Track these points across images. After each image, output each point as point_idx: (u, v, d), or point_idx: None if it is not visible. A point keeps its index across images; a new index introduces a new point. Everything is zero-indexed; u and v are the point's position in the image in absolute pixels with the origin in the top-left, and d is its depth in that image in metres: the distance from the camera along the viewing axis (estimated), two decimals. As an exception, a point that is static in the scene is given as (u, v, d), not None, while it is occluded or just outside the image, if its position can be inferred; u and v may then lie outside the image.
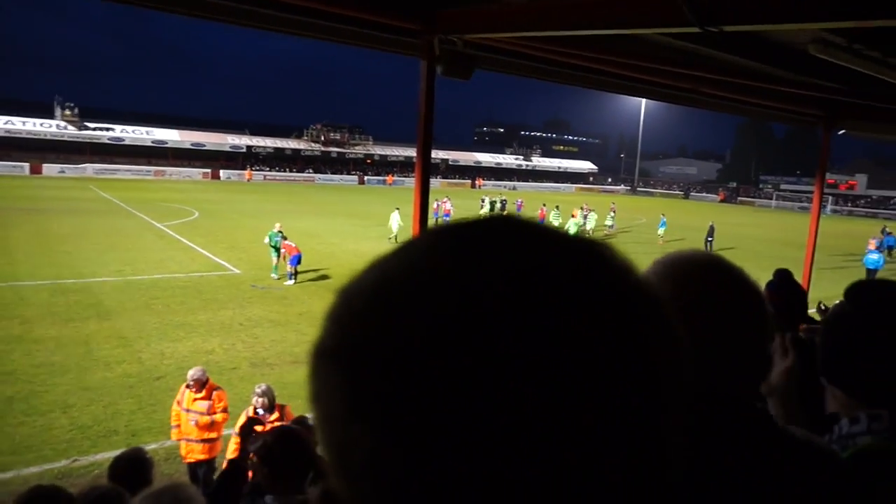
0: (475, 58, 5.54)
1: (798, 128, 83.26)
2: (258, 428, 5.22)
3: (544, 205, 34.61)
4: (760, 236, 34.24)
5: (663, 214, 30.51)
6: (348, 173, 68.68)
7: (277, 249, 16.04)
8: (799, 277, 8.28)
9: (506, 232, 0.39)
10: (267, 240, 16.41)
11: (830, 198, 68.04)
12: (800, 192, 75.68)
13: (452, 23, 5.14)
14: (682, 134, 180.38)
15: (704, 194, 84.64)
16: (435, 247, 0.39)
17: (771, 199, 76.18)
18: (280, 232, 16.17)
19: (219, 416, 6.18)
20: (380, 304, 0.37)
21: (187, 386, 6.25)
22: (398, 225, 23.14)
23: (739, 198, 79.92)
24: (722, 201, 77.88)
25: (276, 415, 5.70)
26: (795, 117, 8.60)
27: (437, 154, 67.25)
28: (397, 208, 24.27)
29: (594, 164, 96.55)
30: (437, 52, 5.35)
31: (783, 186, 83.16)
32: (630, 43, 5.30)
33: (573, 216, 30.23)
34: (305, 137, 70.06)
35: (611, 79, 7.15)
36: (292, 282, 15.60)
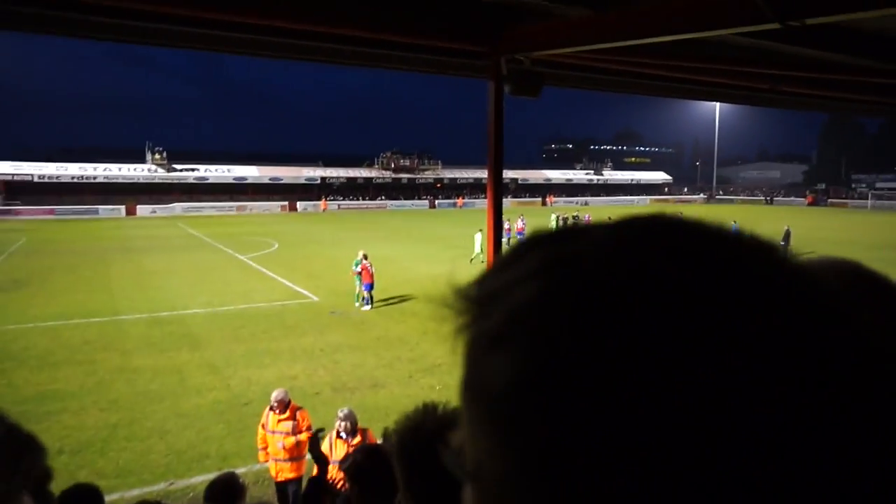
0: (542, 75, 5.52)
1: (891, 120, 77.89)
2: (324, 445, 5.27)
3: (609, 218, 33.89)
4: (847, 239, 32.09)
5: (735, 221, 29.23)
6: (419, 198, 69.68)
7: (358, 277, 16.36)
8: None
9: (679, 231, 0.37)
10: (354, 267, 16.62)
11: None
12: (898, 190, 70.65)
13: (518, 42, 5.15)
14: (760, 137, 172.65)
15: (791, 198, 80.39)
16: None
17: (866, 198, 71.39)
18: (365, 256, 16.44)
19: (303, 436, 6.31)
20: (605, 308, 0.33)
21: (271, 408, 6.44)
22: (481, 246, 23.42)
23: (830, 200, 75.38)
24: (810, 204, 73.68)
25: (358, 438, 5.77)
26: (888, 109, 8.06)
27: (506, 174, 67.15)
28: (480, 230, 24.45)
29: (668, 173, 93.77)
30: (505, 72, 5.37)
31: (879, 185, 77.87)
32: (702, 46, 5.13)
33: None
34: (376, 166, 71.77)
35: (683, 85, 6.94)
36: (369, 307, 15.87)
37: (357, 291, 16.40)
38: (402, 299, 16.84)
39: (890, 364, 0.33)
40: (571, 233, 0.38)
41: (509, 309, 0.35)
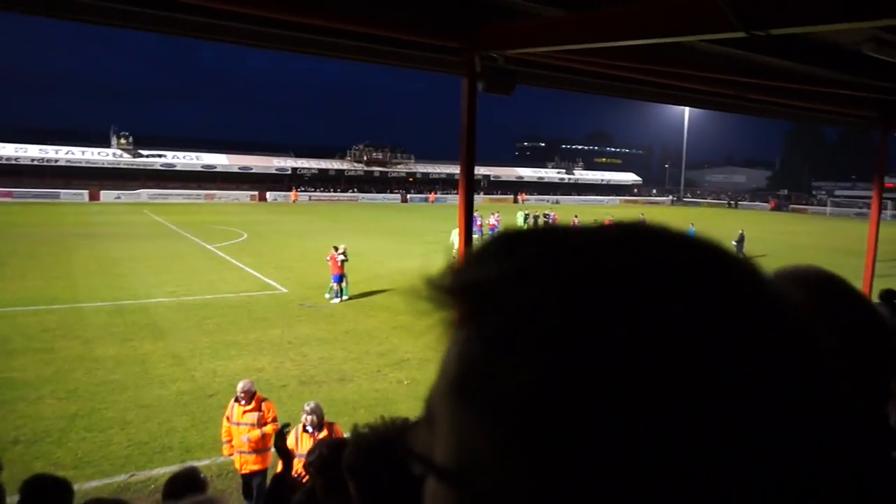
0: (516, 73, 5.55)
1: (852, 131, 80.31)
2: (290, 439, 5.26)
3: (576, 216, 34.53)
4: (808, 244, 33.02)
5: (692, 224, 29.94)
6: (391, 192, 69.40)
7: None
8: (857, 286, 7.94)
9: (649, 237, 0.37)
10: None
11: (890, 202, 65.26)
12: (856, 198, 72.79)
13: (493, 39, 5.17)
14: (728, 142, 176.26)
15: (755, 203, 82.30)
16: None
17: (825, 205, 73.53)
18: (344, 253, 16.31)
19: (269, 428, 6.28)
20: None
21: (236, 399, 6.40)
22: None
23: (792, 205, 77.38)
24: (773, 209, 75.54)
25: (324, 432, 5.76)
26: (849, 120, 8.32)
27: (479, 170, 67.38)
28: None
29: (638, 175, 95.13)
30: (479, 69, 5.39)
31: (837, 192, 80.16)
32: (673, 51, 5.24)
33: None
34: (348, 158, 71.23)
35: (654, 88, 7.06)
36: (338, 300, 15.80)
37: (335, 285, 16.31)
38: (373, 293, 16.79)
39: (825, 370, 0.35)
40: (561, 232, 0.39)
41: (512, 309, 0.34)
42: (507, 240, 0.39)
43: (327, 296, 15.98)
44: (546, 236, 0.38)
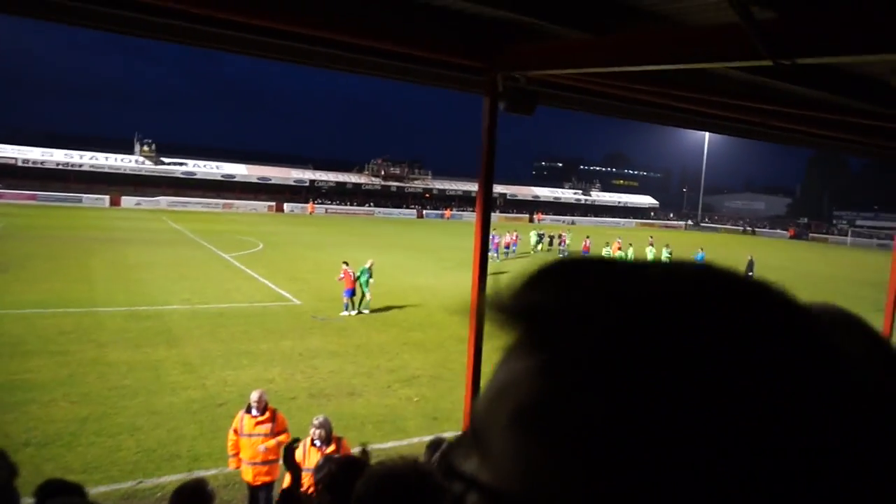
0: (538, 94, 5.56)
1: (876, 161, 79.41)
2: (298, 453, 5.25)
3: (588, 237, 34.62)
4: (829, 274, 32.57)
5: (702, 248, 29.79)
6: (407, 207, 69.66)
7: (366, 283, 16.40)
8: (880, 320, 7.78)
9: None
10: (358, 274, 16.43)
11: (912, 235, 64.28)
12: (878, 229, 71.86)
13: (516, 60, 5.19)
14: (748, 168, 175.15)
15: (774, 230, 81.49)
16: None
17: (846, 235, 72.58)
18: (369, 269, 16.47)
19: (282, 437, 6.26)
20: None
21: (247, 411, 6.37)
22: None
23: (811, 234, 76.50)
24: (792, 237, 74.70)
25: (332, 447, 5.72)
26: (874, 150, 8.22)
27: (496, 188, 67.48)
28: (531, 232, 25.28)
29: (655, 198, 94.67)
30: (501, 89, 5.41)
31: (859, 222, 79.21)
32: (697, 77, 5.22)
33: (618, 249, 30.58)
34: (366, 172, 71.69)
35: (676, 113, 7.04)
36: (347, 313, 15.80)
37: (368, 298, 16.41)
38: (386, 308, 16.79)
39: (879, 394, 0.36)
40: (628, 265, 0.39)
41: (588, 341, 0.35)
42: (573, 267, 0.39)
43: (344, 313, 15.95)
44: (614, 268, 0.39)
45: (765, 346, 0.34)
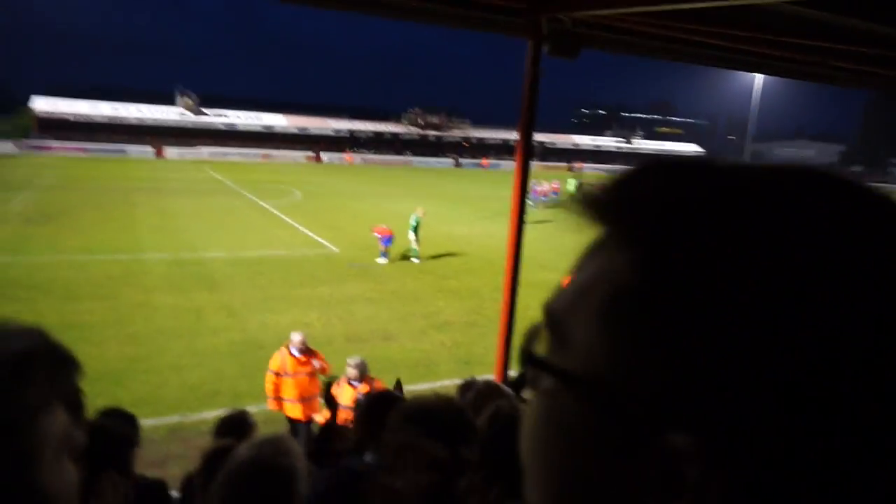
0: (584, 36, 5.36)
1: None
2: (334, 390, 5.43)
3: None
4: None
5: None
6: (444, 156, 69.21)
7: (416, 231, 16.67)
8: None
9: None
10: (411, 223, 16.83)
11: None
12: (938, 178, 68.40)
13: (559, 1, 5.00)
14: (800, 113, 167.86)
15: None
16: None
17: (902, 184, 69.35)
18: (419, 218, 16.77)
19: (325, 376, 6.52)
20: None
21: (290, 352, 6.61)
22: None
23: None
24: (844, 187, 71.67)
25: (366, 387, 5.90)
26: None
27: (534, 136, 66.28)
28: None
29: (701, 146, 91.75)
30: (545, 32, 5.23)
31: (918, 171, 75.50)
32: (752, 14, 4.95)
33: None
34: (404, 121, 71.22)
35: (729, 54, 6.71)
36: (384, 260, 15.99)
37: (415, 247, 16.64)
38: (420, 256, 16.92)
39: None
40: (725, 165, 0.38)
41: (681, 236, 0.35)
42: (670, 164, 0.39)
43: (380, 260, 16.13)
44: (713, 164, 0.38)
45: (872, 245, 0.33)
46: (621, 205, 0.38)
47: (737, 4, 3.86)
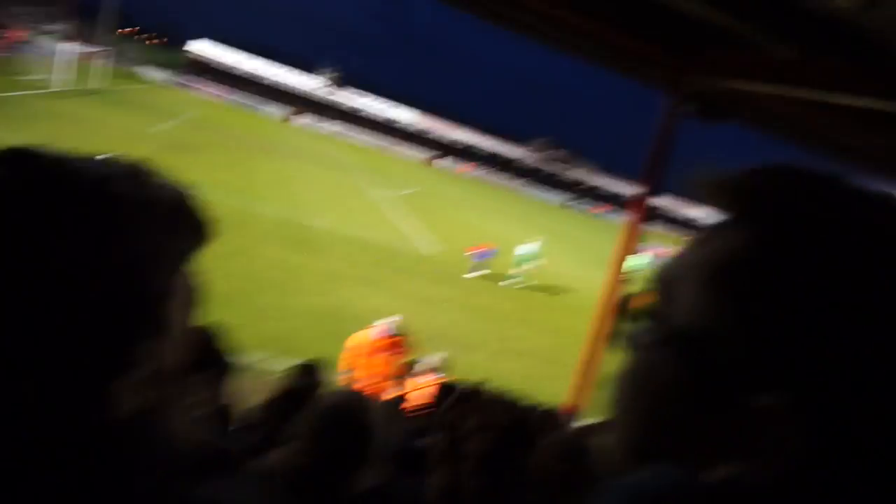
0: (729, 106, 5.27)
1: None
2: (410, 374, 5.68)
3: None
4: None
5: None
6: (556, 191, 68.66)
7: (529, 260, 16.77)
8: None
9: None
10: (522, 251, 16.90)
11: None
12: None
13: (712, 65, 4.95)
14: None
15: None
16: None
17: None
18: (537, 248, 16.89)
19: (401, 360, 6.71)
20: None
21: (373, 333, 6.84)
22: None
23: None
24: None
25: (434, 378, 6.08)
26: None
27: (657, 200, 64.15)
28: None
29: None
30: (688, 92, 5.17)
31: None
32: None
33: None
34: (529, 148, 71.23)
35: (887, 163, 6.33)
36: (476, 274, 16.01)
37: (519, 272, 16.68)
38: (519, 283, 16.92)
39: None
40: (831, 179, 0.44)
41: (811, 222, 0.40)
42: (794, 166, 0.44)
43: (472, 274, 16.26)
44: (833, 181, 0.43)
45: None
46: (754, 193, 0.43)
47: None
